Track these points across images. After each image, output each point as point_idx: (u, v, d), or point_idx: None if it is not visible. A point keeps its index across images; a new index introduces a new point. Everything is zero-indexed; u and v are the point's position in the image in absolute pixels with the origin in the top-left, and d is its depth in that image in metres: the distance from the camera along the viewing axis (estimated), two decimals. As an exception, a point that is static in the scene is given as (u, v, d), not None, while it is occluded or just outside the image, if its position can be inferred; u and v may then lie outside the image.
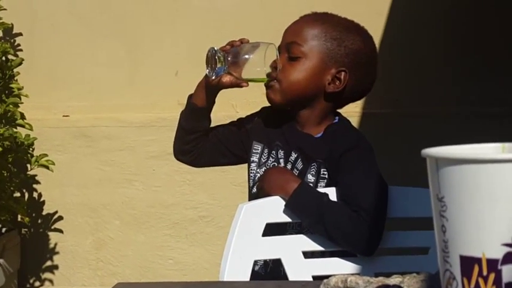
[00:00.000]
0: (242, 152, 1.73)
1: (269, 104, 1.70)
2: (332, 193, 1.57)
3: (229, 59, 1.60)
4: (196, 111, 1.69)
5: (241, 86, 1.64)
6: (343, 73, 1.64)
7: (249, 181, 1.72)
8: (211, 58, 1.59)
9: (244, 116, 1.79)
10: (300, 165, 1.64)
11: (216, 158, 1.76)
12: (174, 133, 2.90)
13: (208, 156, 1.75)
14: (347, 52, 1.65)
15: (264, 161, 1.69)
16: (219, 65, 1.58)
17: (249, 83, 1.64)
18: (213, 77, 1.60)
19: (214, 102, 1.70)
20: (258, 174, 1.68)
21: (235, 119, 1.79)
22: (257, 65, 1.62)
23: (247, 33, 2.82)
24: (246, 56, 1.61)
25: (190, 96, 1.71)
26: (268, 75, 1.63)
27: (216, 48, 1.60)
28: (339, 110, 1.72)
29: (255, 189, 1.69)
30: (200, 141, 1.72)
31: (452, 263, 0.78)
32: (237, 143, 1.74)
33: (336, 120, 1.70)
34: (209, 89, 1.67)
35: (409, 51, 2.86)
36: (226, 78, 1.62)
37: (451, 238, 0.77)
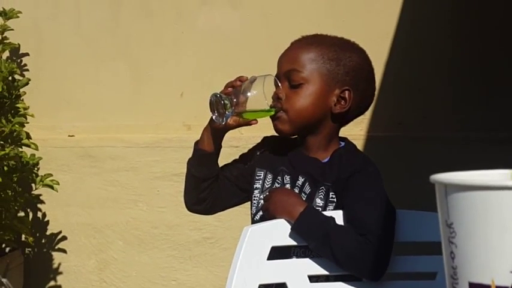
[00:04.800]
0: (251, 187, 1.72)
1: (275, 133, 1.69)
2: (339, 216, 1.57)
3: (234, 100, 1.59)
4: (206, 157, 1.68)
5: (251, 124, 1.64)
6: (347, 92, 1.65)
7: (251, 208, 1.71)
8: (216, 104, 1.57)
9: (246, 151, 1.78)
10: (307, 189, 1.63)
11: (229, 200, 1.75)
12: (179, 154, 2.91)
13: (221, 200, 1.74)
14: (346, 70, 1.65)
15: (267, 186, 1.68)
16: (227, 112, 1.57)
17: (257, 118, 1.63)
18: (223, 123, 1.60)
19: (221, 146, 1.70)
20: (261, 201, 1.67)
21: (238, 157, 1.78)
22: (259, 100, 1.60)
23: (252, 54, 2.86)
24: (248, 94, 1.60)
25: (196, 144, 1.70)
26: (272, 106, 1.62)
27: (218, 94, 1.58)
28: (345, 135, 1.73)
29: (257, 217, 1.68)
30: (214, 186, 1.71)
31: (461, 290, 0.77)
32: (246, 178, 1.73)
33: (342, 145, 1.70)
34: (216, 134, 1.66)
35: (414, 75, 2.87)
36: (233, 119, 1.62)
37: (460, 265, 0.77)
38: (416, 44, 2.86)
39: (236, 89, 1.60)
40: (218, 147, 1.69)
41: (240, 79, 1.62)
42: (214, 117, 1.59)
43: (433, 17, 2.85)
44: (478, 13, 2.83)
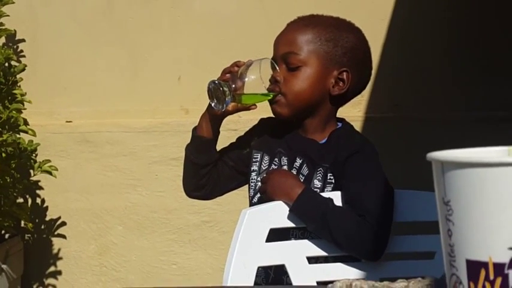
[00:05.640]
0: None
1: (272, 115, 1.69)
2: (337, 197, 1.57)
3: (233, 86, 1.58)
4: (205, 144, 1.67)
5: (250, 109, 1.63)
6: (345, 73, 1.64)
7: (249, 191, 1.70)
8: (214, 91, 1.56)
9: (243, 134, 1.78)
10: (305, 170, 1.63)
11: (228, 184, 1.74)
12: (176, 138, 2.91)
13: (220, 185, 1.73)
14: (344, 51, 1.64)
15: (264, 168, 1.68)
16: (226, 99, 1.56)
17: (256, 103, 1.62)
18: (222, 110, 1.59)
19: (219, 132, 1.69)
20: (259, 184, 1.66)
21: (235, 140, 1.78)
22: (257, 84, 1.59)
23: (249, 37, 2.85)
24: (246, 79, 1.58)
25: (194, 130, 1.70)
26: (269, 90, 1.61)
27: (216, 81, 1.57)
28: (344, 117, 1.72)
29: (255, 199, 1.68)
30: (213, 172, 1.70)
31: (458, 267, 0.77)
32: (244, 161, 1.72)
33: (340, 126, 1.69)
34: (215, 120, 1.66)
35: (411, 56, 2.86)
36: (232, 105, 1.61)
37: (457, 242, 0.77)
38: (414, 25, 2.85)
39: (233, 74, 1.59)
40: (216, 133, 1.68)
41: (237, 64, 1.61)
42: (213, 104, 1.58)
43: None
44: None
